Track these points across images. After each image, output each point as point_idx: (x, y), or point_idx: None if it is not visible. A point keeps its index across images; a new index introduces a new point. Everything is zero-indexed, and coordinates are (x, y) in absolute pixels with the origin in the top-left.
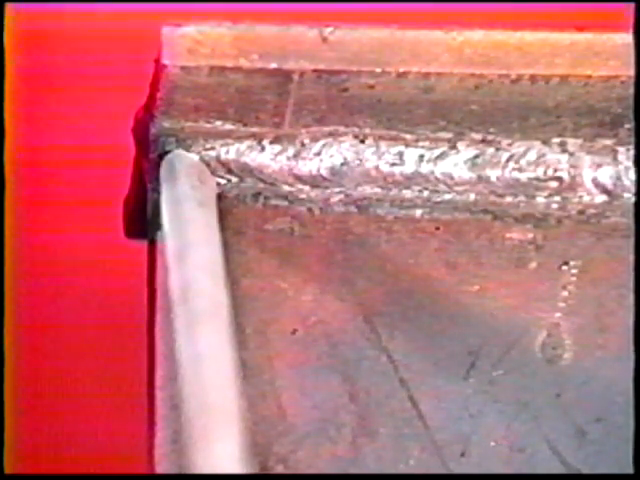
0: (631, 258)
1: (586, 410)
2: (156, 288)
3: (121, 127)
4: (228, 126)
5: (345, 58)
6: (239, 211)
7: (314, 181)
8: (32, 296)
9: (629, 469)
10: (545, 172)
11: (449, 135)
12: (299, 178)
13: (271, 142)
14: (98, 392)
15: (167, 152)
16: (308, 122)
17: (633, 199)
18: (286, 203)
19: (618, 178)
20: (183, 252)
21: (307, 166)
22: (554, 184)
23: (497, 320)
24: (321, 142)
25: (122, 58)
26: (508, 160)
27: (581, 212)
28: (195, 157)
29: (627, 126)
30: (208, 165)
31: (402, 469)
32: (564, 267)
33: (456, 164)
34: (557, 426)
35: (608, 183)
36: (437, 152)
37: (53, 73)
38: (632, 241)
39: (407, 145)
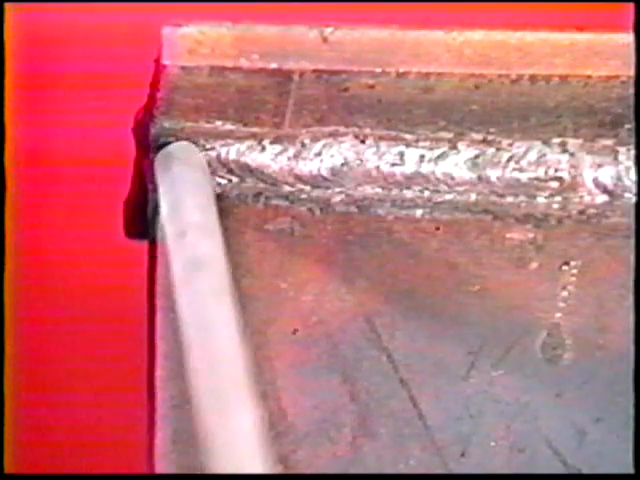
0: (631, 258)
1: (586, 410)
2: (156, 288)
3: (121, 127)
4: (228, 126)
5: (345, 58)
6: (240, 211)
7: (315, 181)
8: (32, 296)
9: (629, 469)
10: (546, 172)
11: (449, 135)
12: (300, 178)
13: (271, 142)
14: (98, 392)
15: None
16: (308, 122)
17: (634, 199)
18: (286, 203)
19: (619, 178)
20: (182, 236)
21: (307, 166)
22: (555, 184)
23: (497, 320)
24: (321, 142)
25: (122, 58)
26: (509, 160)
27: (582, 212)
28: None
29: (627, 126)
30: (209, 165)
31: (402, 469)
32: (564, 267)
33: (456, 164)
34: (557, 426)
35: (609, 183)
36: (437, 152)
37: (53, 73)
38: (632, 241)
39: (408, 145)
